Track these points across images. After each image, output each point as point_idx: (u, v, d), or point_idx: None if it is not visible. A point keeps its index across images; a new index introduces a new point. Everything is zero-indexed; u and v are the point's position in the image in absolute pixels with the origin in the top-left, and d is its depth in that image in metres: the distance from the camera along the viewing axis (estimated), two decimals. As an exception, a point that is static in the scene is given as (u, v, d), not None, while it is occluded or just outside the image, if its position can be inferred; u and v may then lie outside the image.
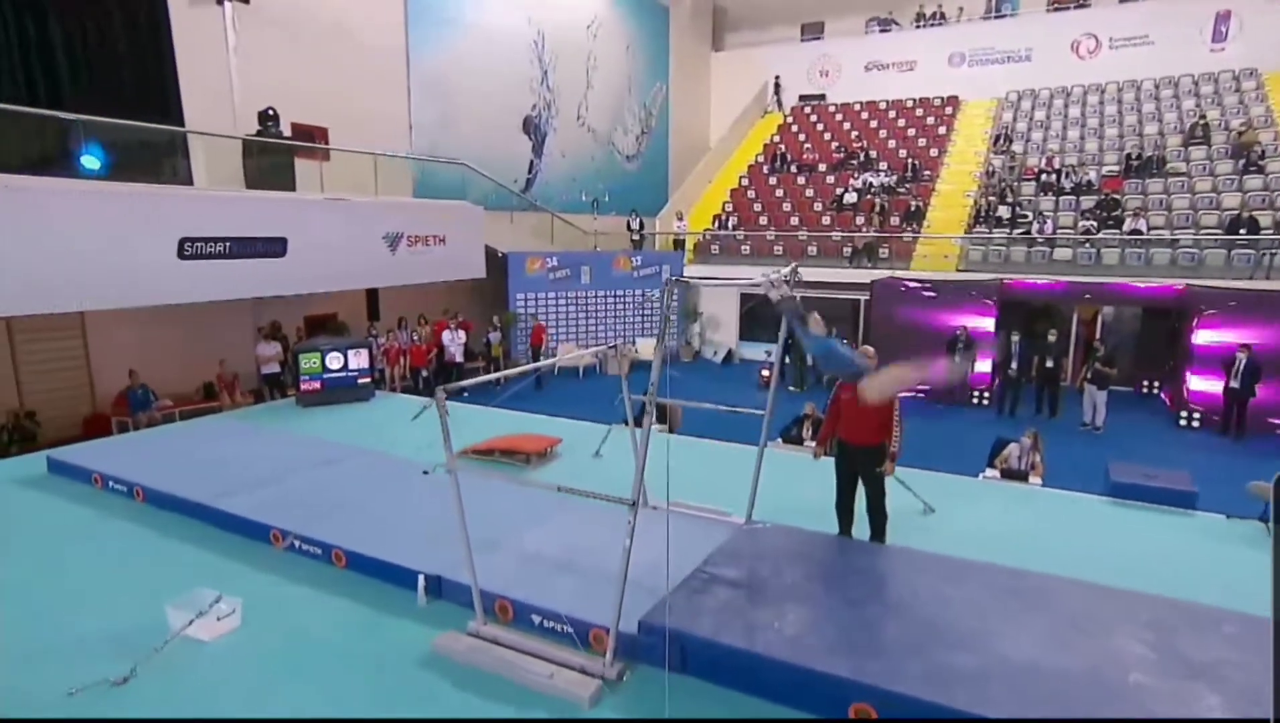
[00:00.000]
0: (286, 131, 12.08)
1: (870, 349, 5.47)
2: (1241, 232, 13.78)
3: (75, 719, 3.73)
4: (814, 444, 8.52)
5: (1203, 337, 11.82)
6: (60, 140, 9.44)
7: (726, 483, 6.02)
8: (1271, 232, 13.86)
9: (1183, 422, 11.94)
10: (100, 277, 8.63)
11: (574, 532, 5.50)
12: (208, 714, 3.84)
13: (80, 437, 10.15)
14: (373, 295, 13.98)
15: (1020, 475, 7.40)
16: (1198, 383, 11.84)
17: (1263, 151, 15.90)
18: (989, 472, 7.65)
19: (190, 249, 9.45)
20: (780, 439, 8.86)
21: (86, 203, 8.61)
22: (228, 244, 9.82)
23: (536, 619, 4.42)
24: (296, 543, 5.45)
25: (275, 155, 11.17)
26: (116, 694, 3.93)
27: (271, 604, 4.80)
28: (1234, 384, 10.96)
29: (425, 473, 4.50)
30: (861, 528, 5.51)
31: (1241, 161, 15.93)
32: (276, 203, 10.58)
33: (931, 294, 13.74)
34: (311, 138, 12.79)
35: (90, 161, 9.24)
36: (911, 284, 14.23)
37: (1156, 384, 13.91)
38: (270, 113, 11.03)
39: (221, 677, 4.11)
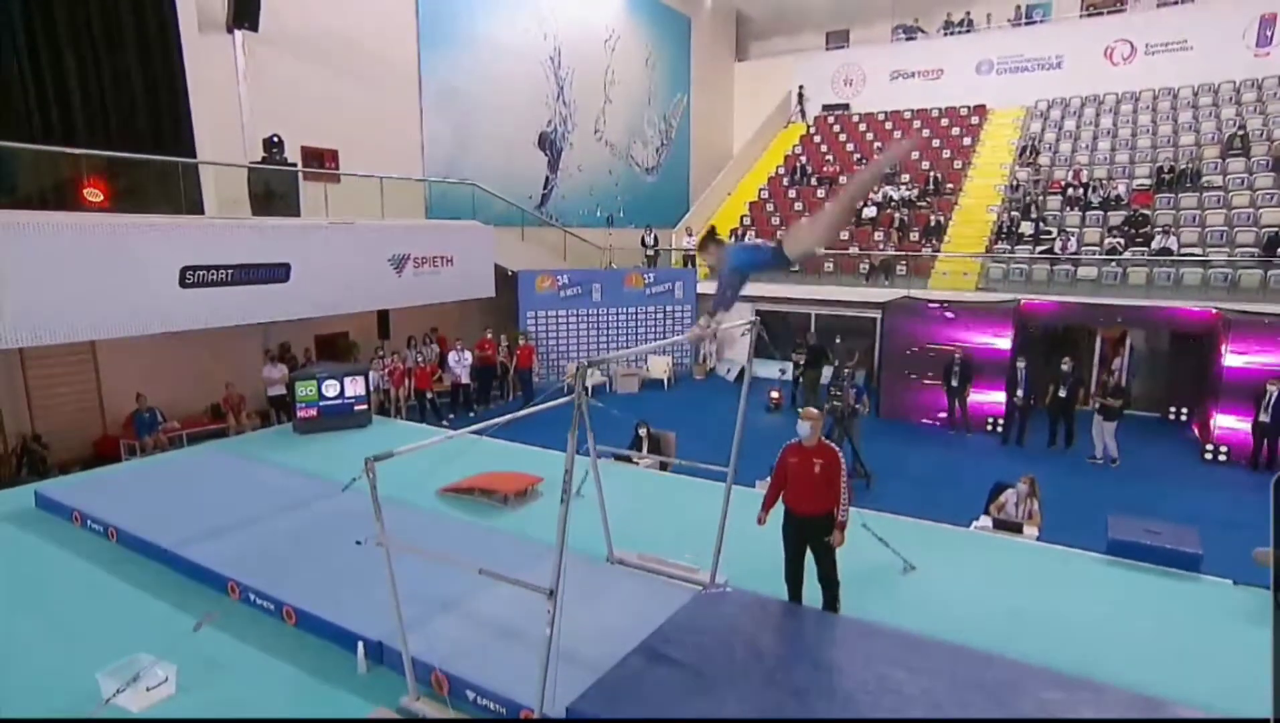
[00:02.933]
0: (295, 155, 12.14)
1: (813, 411, 5.15)
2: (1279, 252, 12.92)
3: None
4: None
5: (1232, 365, 11.08)
6: (69, 174, 9.59)
7: (707, 525, 5.61)
8: None
9: (1209, 456, 11.22)
10: (102, 307, 8.73)
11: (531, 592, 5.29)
12: None
13: (91, 459, 10.32)
14: (383, 314, 13.99)
15: (1015, 526, 6.95)
16: (1225, 415, 11.11)
17: None
18: (982, 520, 7.21)
19: (191, 277, 9.52)
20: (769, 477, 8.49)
21: (90, 235, 8.68)
22: (229, 271, 9.87)
23: (471, 696, 4.23)
24: (251, 597, 5.35)
25: (280, 181, 11.17)
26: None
27: (214, 666, 4.70)
28: (1264, 418, 10.27)
29: (358, 543, 4.31)
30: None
31: (1283, 174, 14.90)
32: (279, 229, 10.60)
33: (947, 315, 13.22)
34: (321, 160, 12.84)
35: (94, 195, 9.34)
36: (926, 305, 13.72)
37: (1185, 412, 13.12)
38: (275, 140, 11.07)
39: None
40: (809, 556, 5.05)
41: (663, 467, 9.28)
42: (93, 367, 10.83)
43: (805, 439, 4.94)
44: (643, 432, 9.53)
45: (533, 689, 4.01)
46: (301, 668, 4.68)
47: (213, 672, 4.63)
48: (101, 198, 9.52)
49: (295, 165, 11.64)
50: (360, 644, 4.58)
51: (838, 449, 5.01)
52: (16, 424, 10.22)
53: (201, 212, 10.86)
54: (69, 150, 9.55)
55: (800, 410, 5.16)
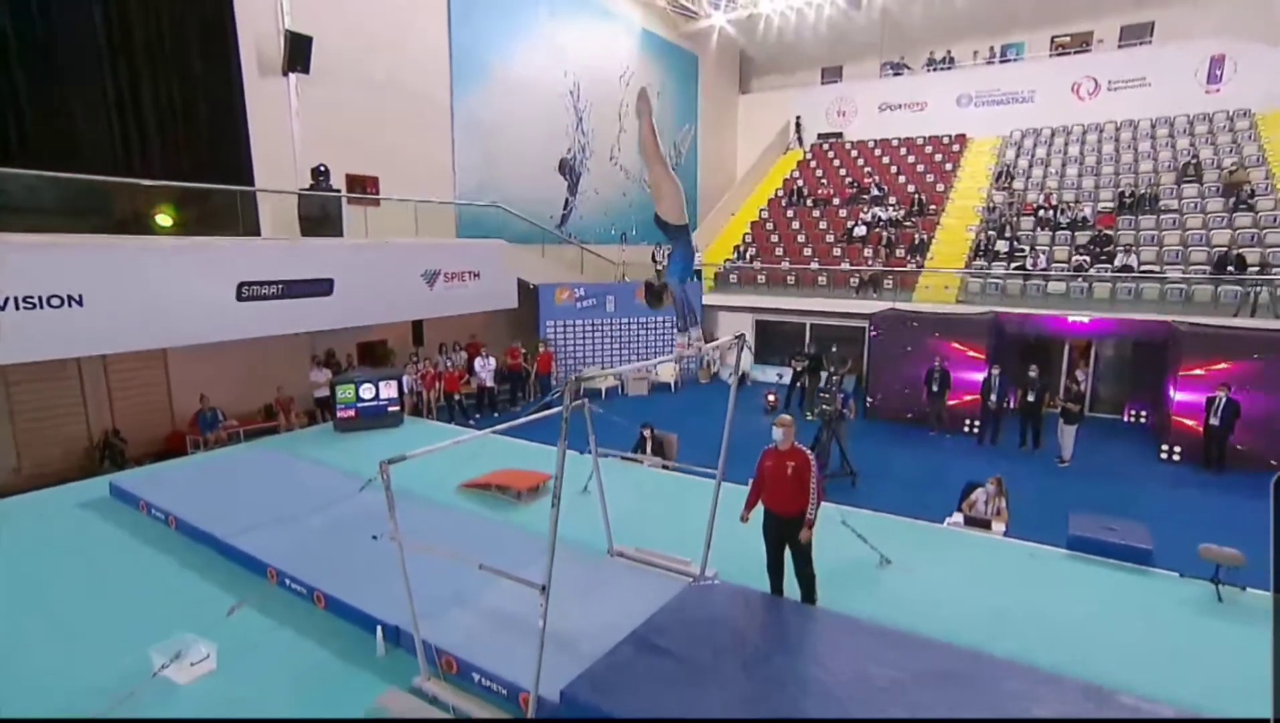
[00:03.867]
0: (340, 181, 12.26)
1: (787, 417, 5.09)
2: (1229, 269, 12.65)
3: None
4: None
5: (1185, 373, 10.83)
6: (145, 203, 9.76)
7: (703, 521, 5.52)
8: (1257, 270, 12.75)
9: (1164, 456, 10.97)
10: (170, 318, 8.86)
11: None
12: None
13: (161, 452, 10.49)
14: (417, 323, 14.09)
15: (984, 523, 6.83)
16: (1179, 418, 10.86)
17: (1252, 190, 14.61)
18: (955, 516, 7.10)
19: (247, 292, 9.62)
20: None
21: (160, 256, 8.83)
22: (280, 286, 9.96)
23: (476, 677, 4.22)
24: (287, 582, 5.39)
25: (325, 206, 11.28)
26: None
27: (252, 644, 4.75)
28: (1214, 421, 10.05)
29: (374, 538, 4.32)
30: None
31: (1232, 200, 14.66)
32: (324, 248, 10.70)
33: (927, 326, 13.04)
34: (364, 186, 12.94)
35: (165, 220, 9.49)
36: (908, 316, 13.55)
37: (1144, 414, 12.86)
38: (321, 169, 11.17)
39: (189, 717, 4.04)
40: (789, 551, 4.99)
41: (665, 466, 9.22)
42: (164, 371, 11.00)
43: (780, 444, 4.89)
44: (647, 433, 9.48)
45: (529, 672, 4.01)
46: (328, 649, 4.71)
47: (250, 650, 4.68)
48: (171, 223, 9.67)
49: (339, 191, 11.73)
50: (379, 629, 4.60)
51: (809, 452, 4.95)
52: (100, 421, 10.42)
53: (259, 233, 11.00)
54: (144, 182, 9.75)
55: (776, 417, 5.07)
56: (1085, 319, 12.70)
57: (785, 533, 4.90)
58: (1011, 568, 5.93)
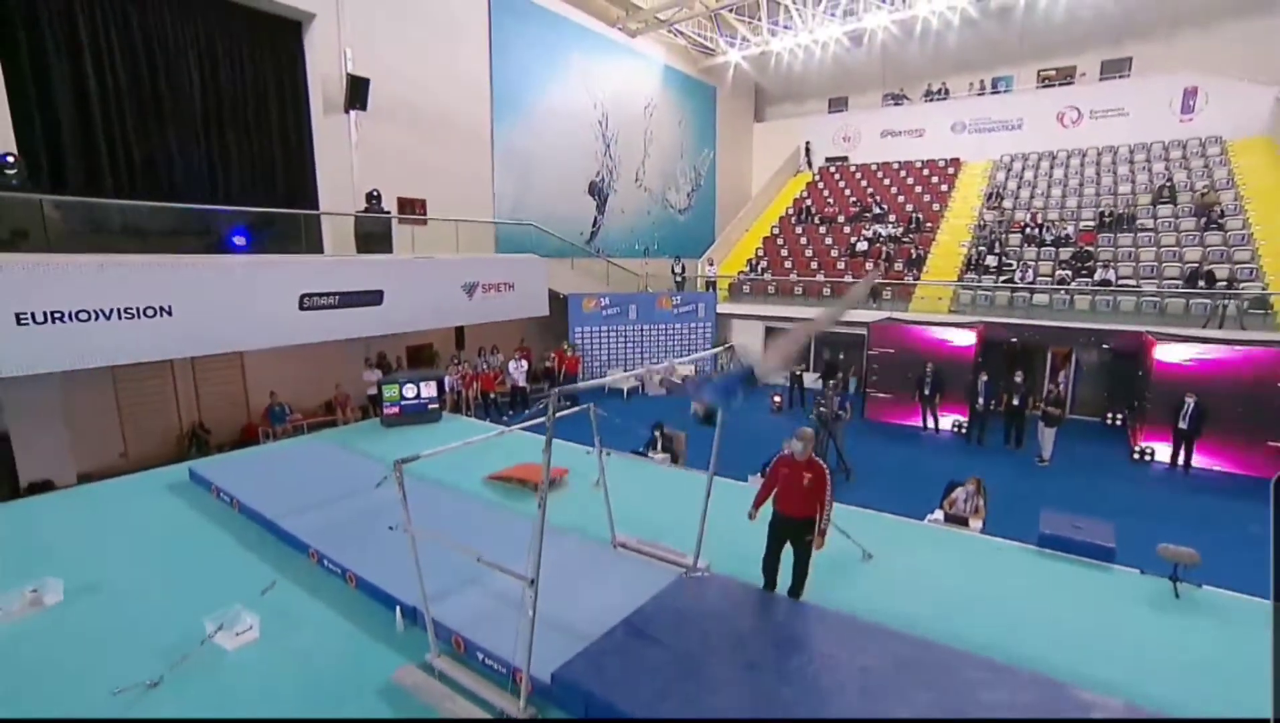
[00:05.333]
0: (391, 204, 12.45)
1: (807, 431, 4.75)
2: (1200, 284, 12.14)
3: (83, 720, 3.74)
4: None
5: (1157, 379, 10.33)
6: (225, 225, 10.07)
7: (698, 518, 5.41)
8: (1225, 285, 12.20)
9: (1136, 457, 10.47)
10: (243, 326, 9.09)
11: (549, 570, 5.13)
12: (216, 714, 3.82)
13: (238, 441, 10.77)
14: (460, 329, 14.23)
15: (962, 520, 6.59)
16: (1151, 422, 10.38)
17: (1222, 211, 14.03)
18: (935, 513, 6.87)
19: (308, 302, 9.81)
20: (760, 473, 8.25)
21: (234, 272, 9.05)
22: (336, 297, 10.12)
23: (480, 656, 4.21)
24: (325, 562, 5.47)
25: (377, 226, 11.47)
26: (151, 695, 3.99)
27: (292, 617, 4.82)
28: (1182, 426, 9.54)
29: (390, 529, 4.34)
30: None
31: (1203, 220, 14.07)
32: (375, 263, 10.85)
33: (918, 333, 12.68)
34: (413, 208, 13.12)
35: (239, 240, 9.75)
36: (902, 325, 13.20)
37: (1121, 418, 12.30)
38: (374, 193, 11.35)
39: (231, 684, 4.12)
40: (787, 550, 4.81)
41: (674, 462, 9.13)
42: (240, 371, 11.31)
43: (797, 455, 4.63)
44: (658, 432, 9.41)
45: (533, 653, 3.99)
46: (356, 624, 4.75)
47: (290, 622, 4.75)
48: (245, 243, 9.93)
49: (389, 213, 11.89)
50: (398, 608, 4.62)
51: (825, 466, 4.68)
52: (189, 414, 10.78)
53: (322, 251, 11.26)
54: (226, 209, 10.09)
55: (796, 431, 4.78)
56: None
57: (791, 533, 4.72)
58: (983, 564, 5.71)
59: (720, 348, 5.73)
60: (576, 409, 5.55)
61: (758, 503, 4.99)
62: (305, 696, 3.99)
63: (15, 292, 7.08)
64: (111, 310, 7.81)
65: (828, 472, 4.64)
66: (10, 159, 7.44)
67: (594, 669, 3.83)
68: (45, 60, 8.85)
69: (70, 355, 7.58)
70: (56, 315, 7.40)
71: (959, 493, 6.97)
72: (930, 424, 12.09)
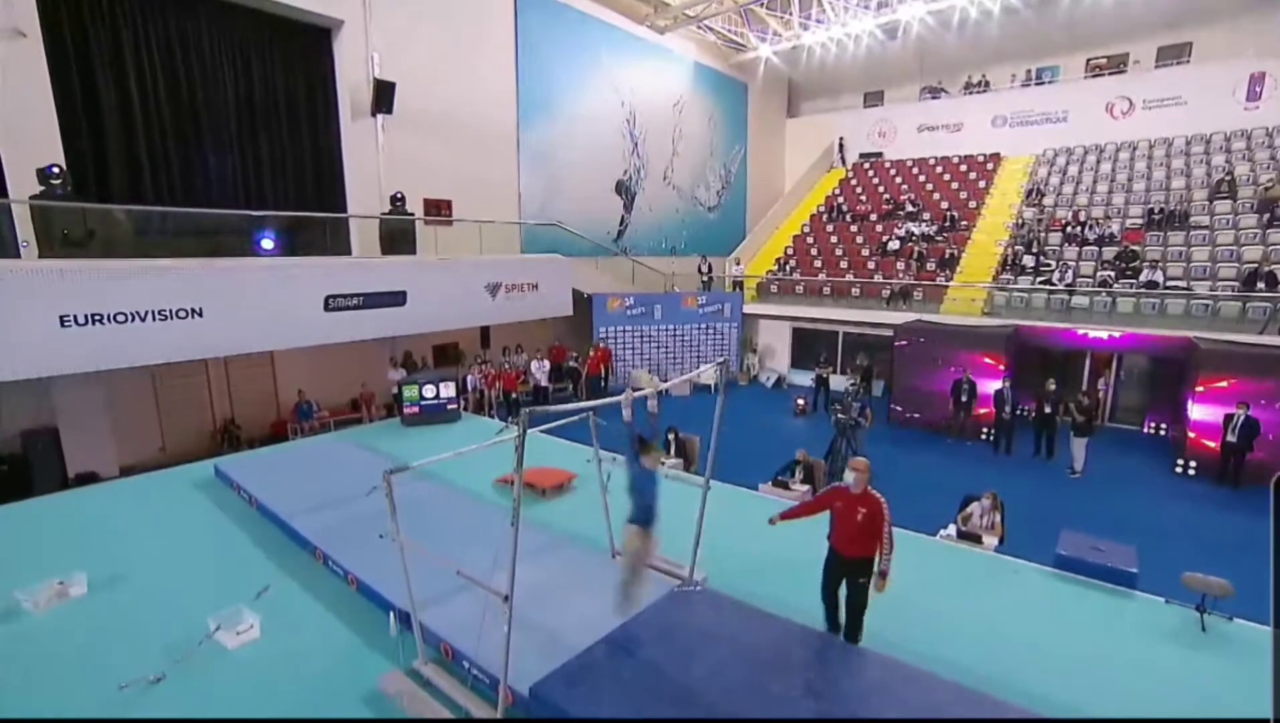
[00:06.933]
0: (418, 205, 12.67)
1: (863, 461, 4.38)
2: (1260, 286, 11.19)
3: (84, 721, 3.86)
4: (802, 487, 7.81)
5: (1204, 390, 9.66)
6: (254, 230, 10.43)
7: (709, 523, 5.29)
8: None
9: (1179, 470, 9.84)
10: (270, 327, 9.37)
11: (544, 578, 5.20)
12: (214, 713, 3.94)
13: (268, 437, 11.17)
14: (485, 329, 14.41)
15: (975, 537, 6.30)
16: (1197, 434, 9.71)
17: None
18: (949, 528, 6.59)
19: (333, 304, 10.06)
20: (772, 482, 8.09)
21: (262, 274, 9.35)
22: (361, 298, 10.34)
23: (466, 665, 4.24)
24: (330, 563, 5.60)
25: (401, 228, 11.68)
26: (154, 690, 4.15)
27: (292, 617, 4.94)
28: (1231, 439, 8.89)
29: (380, 537, 4.39)
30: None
31: (1266, 216, 12.98)
32: (399, 264, 11.05)
33: (949, 337, 12.22)
34: (439, 210, 13.33)
35: (267, 243, 10.07)
36: (931, 328, 12.74)
37: (1164, 427, 11.57)
38: (398, 196, 11.56)
39: (228, 682, 4.24)
40: (844, 587, 4.44)
41: (686, 467, 9.00)
42: (271, 370, 11.72)
43: (852, 487, 4.29)
44: (671, 437, 9.30)
45: (513, 665, 3.97)
46: (352, 627, 4.85)
47: (291, 622, 4.88)
48: (273, 246, 10.25)
49: (412, 215, 12.09)
50: (391, 613, 4.68)
51: (882, 500, 4.26)
52: (222, 411, 11.24)
53: (350, 253, 11.54)
54: (256, 213, 10.41)
55: (850, 460, 4.43)
56: (1104, 335, 11.55)
57: (846, 573, 4.36)
58: (992, 585, 5.45)
59: (715, 363, 5.53)
60: (577, 417, 5.52)
61: (787, 514, 4.71)
62: (295, 697, 4.09)
63: (60, 295, 7.48)
64: (147, 313, 8.17)
65: (886, 506, 4.23)
66: (56, 170, 7.84)
67: (570, 686, 3.81)
68: (93, 77, 9.31)
69: (110, 356, 7.96)
70: (96, 318, 7.79)
71: (974, 508, 6.67)
72: (960, 433, 11.60)
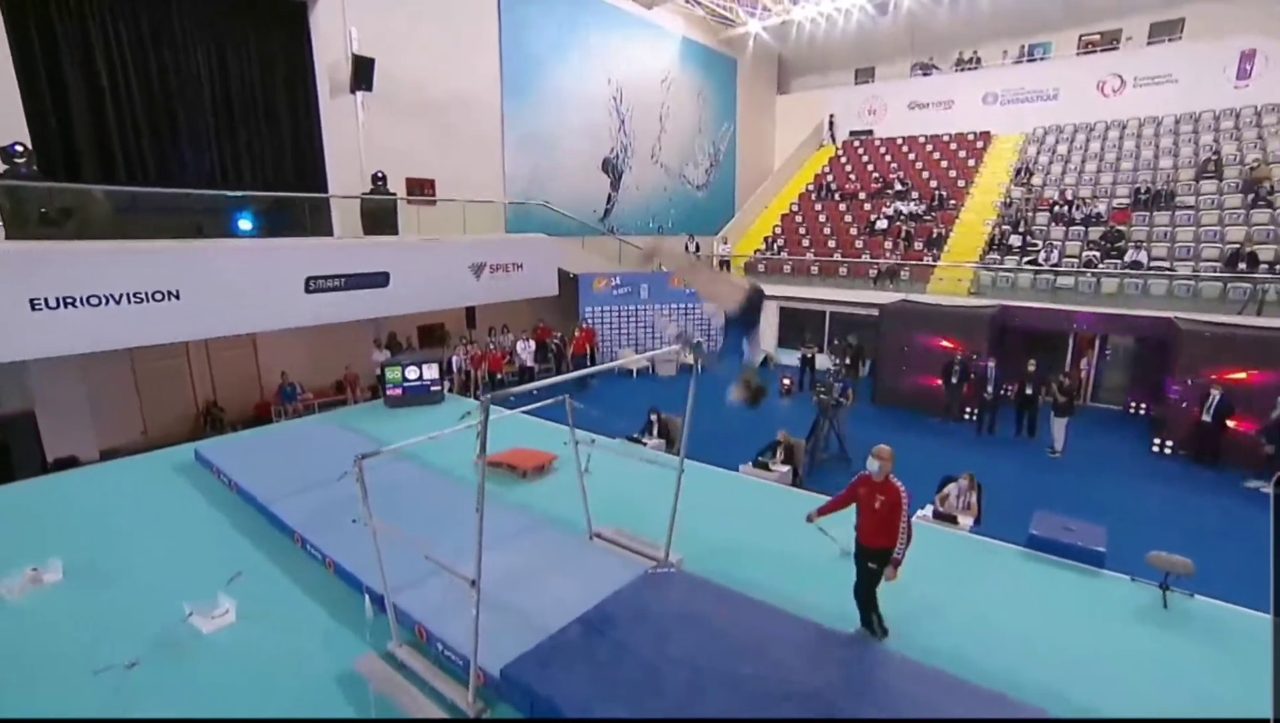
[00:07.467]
0: (400, 184, 12.46)
1: (886, 448, 4.29)
2: (1241, 266, 11.27)
3: (84, 721, 3.81)
4: (783, 467, 7.85)
5: (1182, 369, 9.75)
6: (233, 211, 10.22)
7: (688, 504, 5.26)
8: (1267, 268, 11.31)
9: (1155, 448, 9.97)
10: (248, 309, 9.25)
11: (521, 560, 5.23)
12: (188, 697, 3.95)
13: (251, 420, 11.10)
14: (470, 309, 14.30)
15: (951, 518, 6.38)
16: (1173, 413, 9.82)
17: (1272, 187, 12.92)
18: (925, 509, 6.65)
19: (314, 285, 9.92)
20: (752, 463, 8.13)
21: (239, 256, 9.20)
22: (342, 280, 10.21)
23: (439, 647, 4.27)
24: (308, 547, 5.60)
25: (383, 208, 11.49)
26: (128, 676, 4.15)
27: (269, 602, 4.95)
28: (1206, 418, 9.01)
29: (354, 522, 4.37)
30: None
31: (1251, 196, 13.01)
32: (381, 245, 10.90)
33: (932, 317, 12.25)
34: (422, 189, 13.12)
35: (245, 224, 9.88)
36: (916, 307, 12.76)
37: (1144, 406, 11.70)
38: (379, 175, 11.35)
39: (203, 667, 4.25)
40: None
41: (669, 447, 9.01)
42: (253, 352, 11.61)
43: (875, 475, 4.24)
44: (654, 416, 9.32)
45: (486, 646, 4.01)
46: (330, 610, 4.87)
47: (267, 606, 4.88)
48: (251, 227, 10.06)
49: (394, 195, 11.89)
50: (367, 596, 4.69)
51: (903, 489, 4.20)
52: (204, 394, 11.15)
53: (331, 234, 11.37)
54: (232, 193, 10.23)
55: (874, 448, 4.31)
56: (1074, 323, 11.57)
57: (866, 561, 4.33)
58: (965, 565, 5.52)
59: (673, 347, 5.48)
60: (549, 401, 5.52)
61: (823, 510, 4.67)
62: (269, 681, 4.11)
63: (30, 278, 7.33)
64: (121, 295, 8.03)
65: (905, 496, 4.17)
66: (19, 149, 7.63)
67: (540, 667, 3.84)
68: (57, 55, 9.00)
69: (83, 339, 7.85)
70: (68, 301, 7.65)
71: (951, 489, 6.74)
72: (947, 413, 11.64)
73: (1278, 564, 2.04)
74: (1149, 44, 17.30)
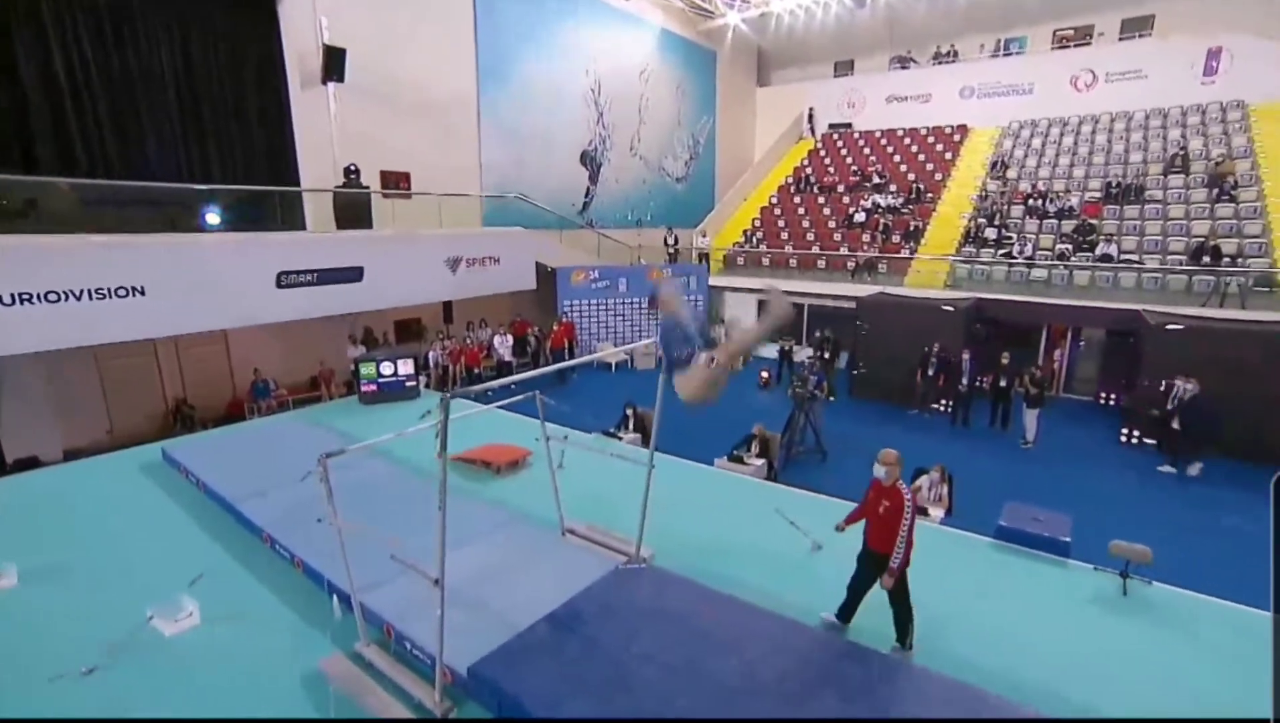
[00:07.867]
0: (374, 178, 12.24)
1: (892, 453, 4.22)
2: (1205, 260, 11.56)
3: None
4: (758, 461, 7.88)
5: (1148, 360, 9.95)
6: (201, 205, 9.97)
7: (662, 498, 5.29)
8: (1229, 261, 11.60)
9: (1123, 439, 10.18)
10: (218, 305, 9.08)
11: (492, 557, 5.20)
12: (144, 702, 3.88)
13: (223, 417, 10.89)
14: (448, 303, 14.13)
15: (921, 510, 6.44)
16: (1140, 404, 10.01)
17: (1235, 182, 13.26)
18: (896, 502, 6.72)
19: (286, 280, 9.77)
20: (727, 457, 8.15)
21: (208, 251, 9.02)
22: (315, 274, 10.08)
23: (408, 646, 4.23)
24: (277, 546, 5.52)
25: (356, 201, 11.29)
26: (86, 682, 4.05)
27: (235, 603, 4.87)
28: (1170, 407, 9.22)
29: (318, 521, 4.30)
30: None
31: (1215, 190, 13.33)
32: (354, 239, 10.74)
33: (909, 309, 12.36)
34: (397, 182, 12.91)
35: (213, 218, 9.65)
36: (893, 300, 12.87)
37: (1114, 398, 11.94)
38: (352, 168, 11.14)
39: (164, 671, 4.16)
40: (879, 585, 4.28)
41: (645, 442, 9.00)
42: (225, 348, 11.36)
43: (883, 480, 4.20)
44: (629, 411, 9.31)
45: (454, 646, 3.97)
46: (297, 610, 4.80)
47: (234, 607, 4.79)
48: (218, 221, 9.83)
49: (368, 188, 11.68)
50: (334, 595, 4.64)
51: (908, 496, 4.13)
52: (174, 391, 10.89)
53: (303, 228, 11.15)
54: (199, 187, 9.98)
55: (881, 452, 4.25)
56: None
57: (872, 567, 4.28)
58: (934, 557, 5.53)
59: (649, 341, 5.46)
60: (525, 396, 5.48)
61: (849, 518, 4.56)
62: (232, 683, 4.04)
63: (-19, 275, 7.10)
64: (82, 291, 7.83)
65: (907, 500, 4.10)
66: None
67: (507, 665, 3.83)
68: (9, 43, 8.63)
69: (40, 338, 7.64)
70: (25, 297, 7.42)
71: (923, 481, 6.83)
72: (922, 404, 11.76)
73: (1277, 564, 2.07)
74: (1120, 40, 17.57)
